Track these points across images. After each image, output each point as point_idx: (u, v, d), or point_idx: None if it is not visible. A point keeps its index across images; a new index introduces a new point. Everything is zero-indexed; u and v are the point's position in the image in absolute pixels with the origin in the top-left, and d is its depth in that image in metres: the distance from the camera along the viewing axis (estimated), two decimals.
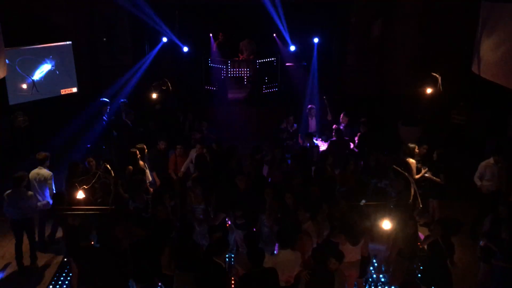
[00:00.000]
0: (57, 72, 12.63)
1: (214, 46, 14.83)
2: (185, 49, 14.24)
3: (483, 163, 8.62)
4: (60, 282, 7.55)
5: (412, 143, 9.32)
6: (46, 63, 12.38)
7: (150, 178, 9.16)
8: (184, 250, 6.10)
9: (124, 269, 6.21)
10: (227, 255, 7.40)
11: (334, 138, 10.24)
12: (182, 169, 9.29)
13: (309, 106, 11.80)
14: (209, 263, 5.76)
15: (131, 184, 7.91)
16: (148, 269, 6.28)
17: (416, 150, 9.14)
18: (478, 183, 8.64)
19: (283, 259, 5.97)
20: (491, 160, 8.51)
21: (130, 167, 8.59)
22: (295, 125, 11.34)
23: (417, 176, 8.78)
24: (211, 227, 6.68)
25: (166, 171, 9.37)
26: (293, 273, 6.01)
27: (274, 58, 14.13)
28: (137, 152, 8.87)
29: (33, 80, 12.14)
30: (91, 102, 12.13)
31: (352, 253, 6.31)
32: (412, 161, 8.90)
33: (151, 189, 8.74)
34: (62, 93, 12.84)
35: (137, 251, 6.26)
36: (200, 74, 14.48)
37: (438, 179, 8.66)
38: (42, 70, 12.35)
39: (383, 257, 7.34)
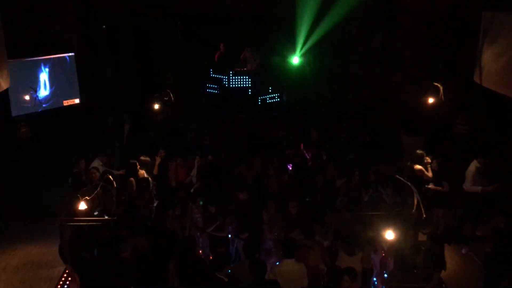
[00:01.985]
0: (60, 83, 12.65)
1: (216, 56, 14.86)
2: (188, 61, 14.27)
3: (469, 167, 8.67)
4: None
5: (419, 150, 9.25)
6: (49, 74, 12.42)
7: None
8: (186, 265, 6.04)
9: (126, 280, 6.16)
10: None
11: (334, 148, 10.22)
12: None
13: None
14: (212, 279, 5.67)
15: (135, 194, 7.90)
16: (151, 281, 6.22)
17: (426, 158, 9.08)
18: (467, 186, 8.66)
19: (286, 269, 5.92)
20: (475, 163, 8.57)
21: (132, 179, 8.57)
22: (296, 134, 11.33)
23: (430, 174, 8.74)
24: (215, 241, 6.64)
25: (167, 181, 9.36)
26: (299, 285, 5.93)
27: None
28: (137, 163, 8.89)
29: (35, 92, 12.16)
30: (94, 113, 12.14)
31: (349, 263, 6.20)
32: (418, 167, 8.84)
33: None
34: (64, 104, 12.86)
35: (140, 262, 6.22)
36: (202, 84, 14.51)
37: (440, 188, 8.62)
38: (45, 82, 12.40)
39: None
